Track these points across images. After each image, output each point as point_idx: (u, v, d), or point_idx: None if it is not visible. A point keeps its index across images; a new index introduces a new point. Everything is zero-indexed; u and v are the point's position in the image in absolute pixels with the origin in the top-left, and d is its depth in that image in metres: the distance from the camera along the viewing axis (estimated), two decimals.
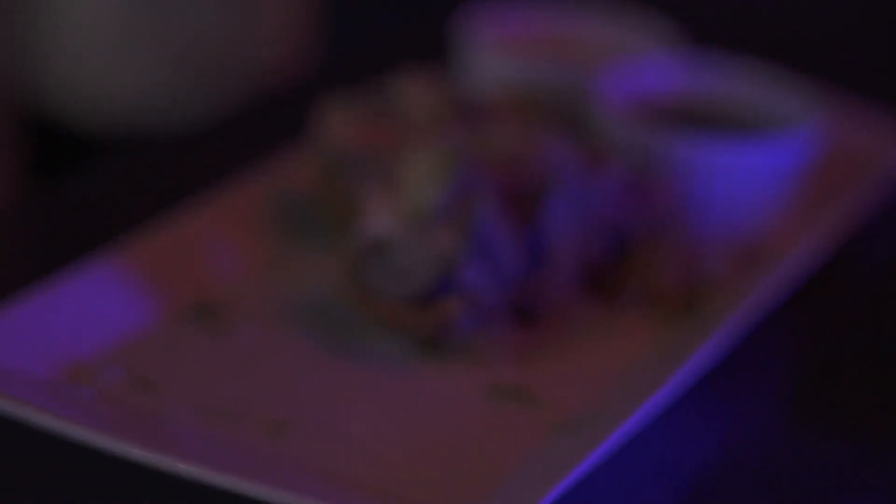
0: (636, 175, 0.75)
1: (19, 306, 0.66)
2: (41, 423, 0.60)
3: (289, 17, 1.41)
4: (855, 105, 0.93)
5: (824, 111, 0.82)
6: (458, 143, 0.69)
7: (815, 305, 0.79)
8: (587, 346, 0.71)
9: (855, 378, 0.73)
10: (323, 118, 0.78)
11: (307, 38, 1.43)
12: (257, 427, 0.63)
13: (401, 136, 0.76)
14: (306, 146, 0.81)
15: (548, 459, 0.62)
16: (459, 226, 0.68)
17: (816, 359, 0.76)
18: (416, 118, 0.77)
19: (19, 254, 0.81)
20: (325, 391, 0.66)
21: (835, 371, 0.74)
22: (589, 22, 0.94)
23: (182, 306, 0.71)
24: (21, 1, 1.37)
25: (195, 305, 0.71)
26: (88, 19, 1.33)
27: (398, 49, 1.09)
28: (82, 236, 0.79)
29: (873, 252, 0.85)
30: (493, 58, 0.88)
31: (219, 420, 0.64)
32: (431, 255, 0.68)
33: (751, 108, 0.85)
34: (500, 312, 0.70)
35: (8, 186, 1.36)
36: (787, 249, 0.79)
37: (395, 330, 0.69)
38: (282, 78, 1.25)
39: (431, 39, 1.05)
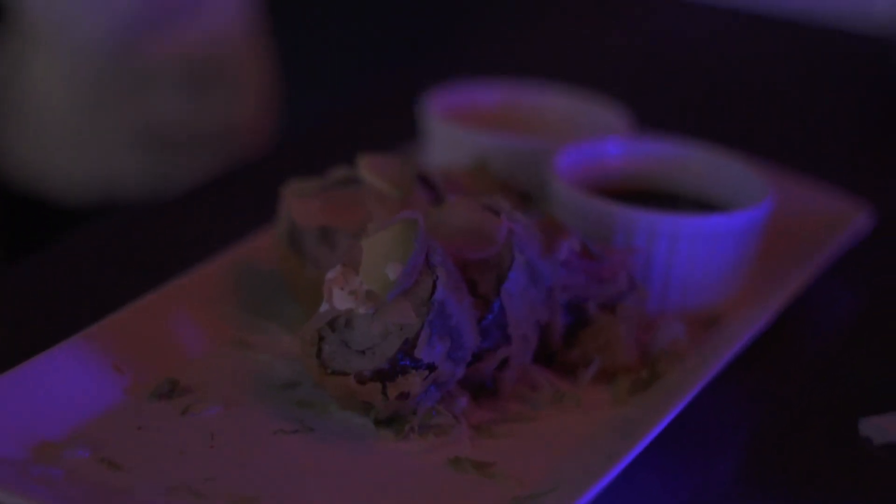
0: (593, 247, 0.75)
1: None
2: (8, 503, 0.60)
3: (254, 95, 1.41)
4: (804, 183, 0.94)
5: (776, 189, 0.82)
6: (418, 218, 0.68)
7: (767, 368, 0.79)
8: (546, 418, 0.71)
9: (808, 438, 0.74)
10: (285, 194, 0.78)
11: (272, 115, 1.44)
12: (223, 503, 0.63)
13: (361, 211, 0.76)
14: (271, 222, 0.81)
15: None
16: (419, 301, 0.67)
17: (770, 420, 0.76)
18: (378, 193, 0.76)
19: None
20: (289, 467, 0.66)
21: (788, 432, 0.74)
22: (548, 97, 0.95)
23: (148, 384, 0.70)
24: None
25: (161, 383, 0.70)
26: (52, 97, 1.34)
27: (360, 123, 1.10)
28: (46, 315, 0.78)
29: (823, 317, 0.86)
30: (452, 131, 0.89)
31: (184, 498, 0.63)
32: (391, 330, 0.67)
33: (705, 187, 0.85)
34: (460, 387, 0.70)
35: None
36: (742, 316, 0.79)
37: (356, 406, 0.69)
38: (246, 154, 1.26)
39: (392, 114, 1.06)
